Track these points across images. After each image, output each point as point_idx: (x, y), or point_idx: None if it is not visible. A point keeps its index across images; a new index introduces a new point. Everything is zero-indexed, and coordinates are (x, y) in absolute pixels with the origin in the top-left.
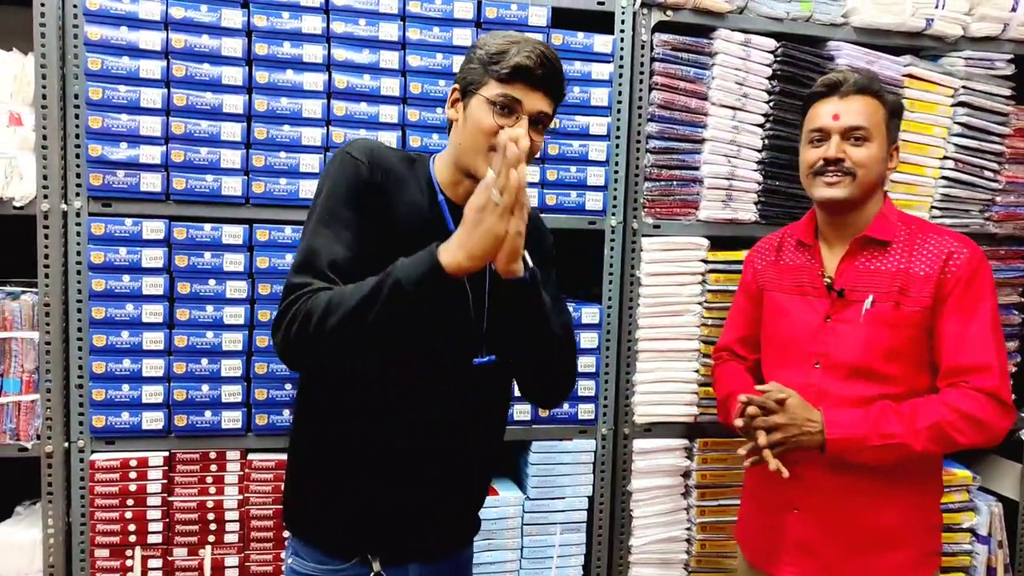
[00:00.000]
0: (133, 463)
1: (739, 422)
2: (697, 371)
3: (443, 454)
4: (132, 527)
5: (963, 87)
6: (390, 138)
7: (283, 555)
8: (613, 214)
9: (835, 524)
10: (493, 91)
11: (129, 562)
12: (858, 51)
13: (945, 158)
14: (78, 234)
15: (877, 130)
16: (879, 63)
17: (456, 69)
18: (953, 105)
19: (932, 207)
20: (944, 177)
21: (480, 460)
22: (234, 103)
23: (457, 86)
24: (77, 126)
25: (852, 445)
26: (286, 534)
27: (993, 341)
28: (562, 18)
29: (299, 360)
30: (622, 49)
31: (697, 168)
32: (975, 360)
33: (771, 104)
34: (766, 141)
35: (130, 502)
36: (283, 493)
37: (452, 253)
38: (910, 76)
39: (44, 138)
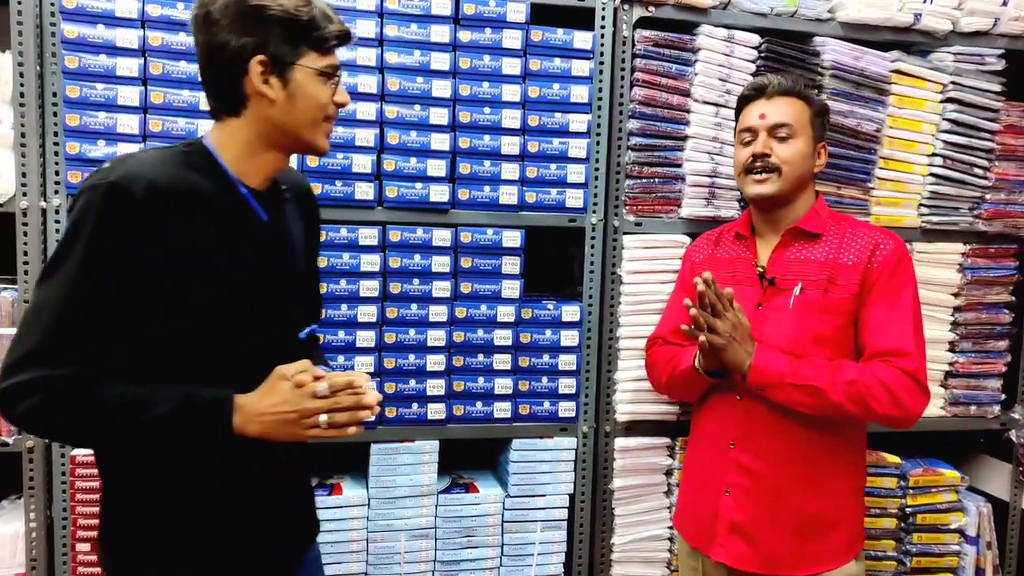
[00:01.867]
0: None
1: (694, 311)
2: None
3: (286, 458)
4: None
5: (952, 83)
6: (367, 135)
7: None
8: (594, 211)
9: (765, 508)
10: (320, 63)
11: None
12: (844, 47)
13: (934, 155)
14: (57, 231)
15: (802, 128)
16: (866, 58)
17: (434, 66)
18: (942, 101)
19: (920, 204)
20: (933, 174)
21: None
22: None
23: (263, 58)
24: (55, 124)
25: (773, 377)
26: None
27: (913, 328)
28: (541, 14)
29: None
30: (603, 45)
31: (679, 165)
32: (897, 344)
33: None
34: None
35: None
36: (112, 541)
37: (247, 424)
38: (898, 72)
39: (23, 136)
